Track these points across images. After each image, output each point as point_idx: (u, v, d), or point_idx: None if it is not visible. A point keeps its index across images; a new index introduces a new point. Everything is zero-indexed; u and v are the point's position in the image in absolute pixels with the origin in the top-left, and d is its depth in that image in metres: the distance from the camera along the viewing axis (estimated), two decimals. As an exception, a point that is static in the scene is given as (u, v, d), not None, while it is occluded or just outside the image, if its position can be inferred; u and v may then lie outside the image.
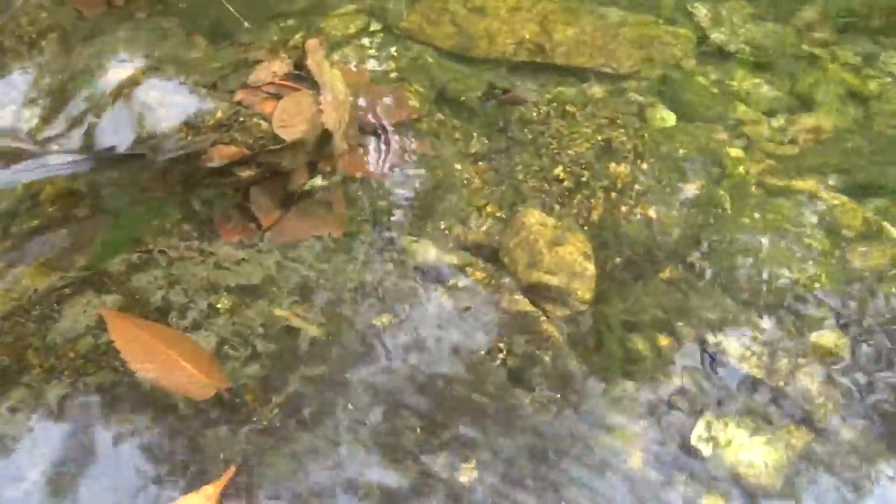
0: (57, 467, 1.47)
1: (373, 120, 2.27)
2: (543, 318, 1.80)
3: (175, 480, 1.46)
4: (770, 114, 2.56)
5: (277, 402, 1.53)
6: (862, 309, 1.95)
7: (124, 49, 2.39)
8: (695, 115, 2.51)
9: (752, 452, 1.64)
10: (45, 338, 1.65)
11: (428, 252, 1.91)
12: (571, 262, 1.86)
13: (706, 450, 1.66)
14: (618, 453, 1.66)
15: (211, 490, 1.41)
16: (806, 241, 2.12)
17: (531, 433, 1.66)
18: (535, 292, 1.84)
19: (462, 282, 1.85)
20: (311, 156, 2.02)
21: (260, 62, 2.13)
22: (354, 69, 2.49)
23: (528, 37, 2.65)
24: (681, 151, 2.33)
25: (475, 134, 2.29)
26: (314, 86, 2.04)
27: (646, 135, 2.32)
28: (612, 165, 2.19)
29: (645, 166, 2.23)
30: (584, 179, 2.13)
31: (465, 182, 2.14)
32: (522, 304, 1.82)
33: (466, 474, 1.52)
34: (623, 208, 2.10)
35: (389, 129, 2.27)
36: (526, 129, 2.27)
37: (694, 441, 1.67)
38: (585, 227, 2.03)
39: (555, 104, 2.36)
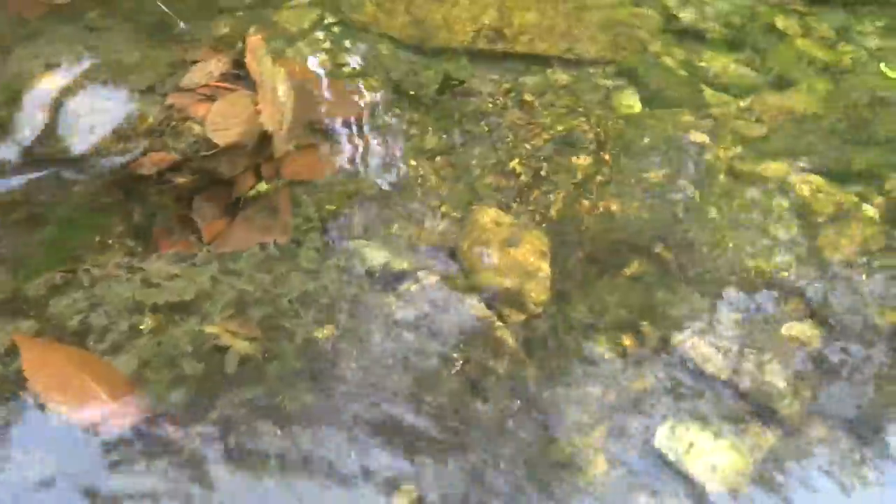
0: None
1: (323, 118, 2.18)
2: (499, 323, 1.72)
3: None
4: (739, 95, 2.47)
5: (199, 430, 1.45)
6: (834, 298, 1.87)
7: (61, 52, 2.29)
8: (662, 100, 2.42)
9: (717, 456, 1.57)
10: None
11: (378, 256, 1.82)
12: (524, 263, 1.77)
13: (671, 454, 1.59)
14: (580, 460, 1.59)
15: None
16: (775, 230, 2.04)
17: (489, 444, 1.59)
18: (489, 296, 1.76)
19: (414, 287, 1.77)
20: (252, 160, 1.93)
21: (198, 62, 2.04)
22: (304, 64, 2.39)
23: (487, 23, 2.55)
24: (646, 139, 2.24)
25: (431, 129, 2.19)
26: (253, 85, 1.94)
27: (609, 123, 2.23)
28: (573, 157, 2.10)
29: (607, 157, 2.14)
30: (542, 173, 2.04)
31: (420, 180, 2.05)
32: (477, 308, 1.74)
33: (406, 497, 1.45)
34: (584, 202, 2.01)
35: (341, 127, 2.17)
36: (483, 122, 2.18)
37: (658, 446, 1.60)
38: (544, 224, 1.95)
39: (513, 94, 2.27)
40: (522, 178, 2.02)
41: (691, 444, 1.58)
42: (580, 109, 2.25)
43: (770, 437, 1.60)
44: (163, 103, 1.93)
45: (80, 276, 1.67)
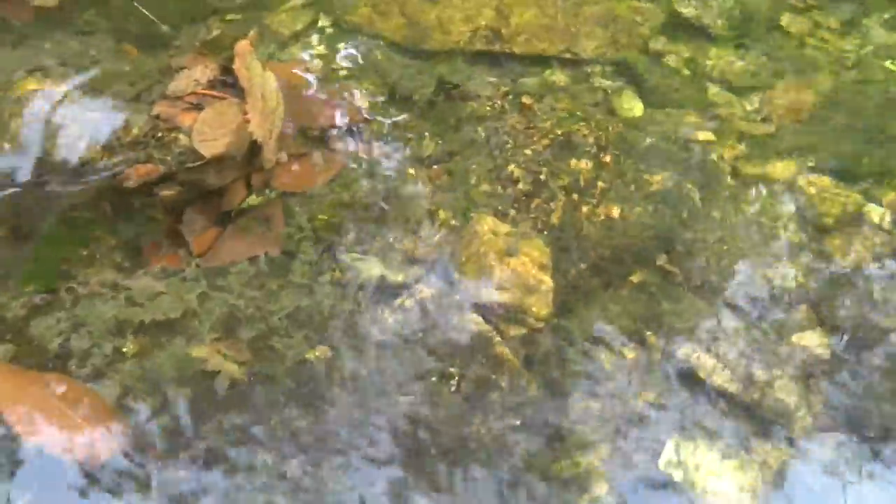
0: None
1: (316, 125, 2.12)
2: (498, 338, 1.67)
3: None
4: (744, 93, 2.40)
5: (185, 460, 1.39)
6: (843, 305, 1.81)
7: (46, 59, 2.23)
8: (664, 100, 2.35)
9: (725, 477, 1.51)
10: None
11: (373, 269, 1.77)
12: (525, 275, 1.72)
13: (676, 474, 1.53)
14: (582, 481, 1.54)
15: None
16: (783, 234, 1.98)
17: (489, 463, 1.54)
18: (488, 310, 1.70)
19: (409, 301, 1.71)
20: (242, 170, 1.87)
21: (184, 69, 1.97)
22: (296, 69, 2.33)
23: (483, 23, 2.48)
24: (647, 141, 2.17)
25: (427, 134, 2.13)
26: (242, 93, 1.88)
27: (610, 126, 2.16)
28: (573, 162, 2.03)
29: (608, 160, 2.08)
30: (541, 179, 1.98)
31: (416, 188, 1.99)
32: (475, 323, 1.68)
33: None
34: (585, 209, 1.95)
35: (335, 134, 2.11)
36: (480, 128, 2.12)
37: (663, 466, 1.55)
38: (544, 232, 1.89)
39: (511, 97, 2.20)
40: (521, 184, 1.96)
41: (698, 465, 1.53)
42: (580, 112, 2.18)
43: (780, 455, 1.54)
44: (149, 112, 1.87)
45: (62, 295, 1.61)
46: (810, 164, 2.17)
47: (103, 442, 1.35)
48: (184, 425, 1.44)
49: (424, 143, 2.11)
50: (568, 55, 2.44)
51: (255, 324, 1.61)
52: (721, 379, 1.65)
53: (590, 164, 2.03)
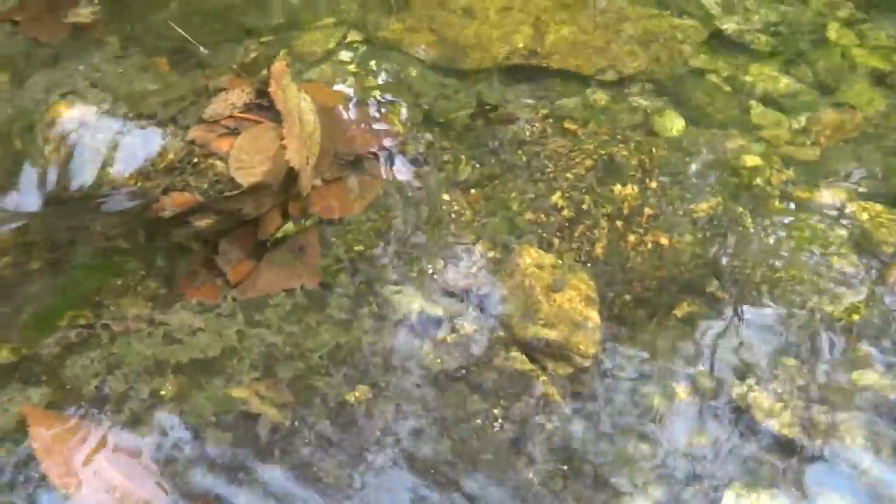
0: None
1: (351, 149, 2.07)
2: (543, 377, 1.60)
3: None
4: (790, 112, 2.31)
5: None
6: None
7: (79, 80, 2.20)
8: (707, 119, 2.27)
9: (789, 530, 1.44)
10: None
11: (412, 303, 1.71)
12: (572, 312, 1.65)
13: (736, 525, 1.46)
14: (634, 529, 1.47)
15: None
16: (838, 263, 1.89)
17: (535, 509, 1.47)
18: (534, 348, 1.64)
19: (451, 336, 1.65)
20: (278, 198, 1.82)
21: (221, 91, 1.93)
22: (331, 90, 2.28)
23: (520, 40, 2.42)
24: (693, 164, 2.10)
25: (464, 157, 2.07)
26: (278, 116, 1.83)
27: (653, 148, 2.09)
28: (617, 187, 1.96)
29: (654, 185, 2.00)
30: (585, 207, 1.91)
31: (455, 215, 1.93)
32: (519, 361, 1.62)
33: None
34: (631, 237, 1.88)
35: (370, 157, 2.06)
36: (520, 151, 2.05)
37: (721, 515, 1.47)
38: (588, 264, 1.82)
39: (551, 120, 2.14)
40: (565, 212, 1.89)
41: (760, 516, 1.45)
42: (621, 134, 2.11)
43: (847, 507, 1.46)
44: (184, 137, 1.82)
45: (98, 331, 1.57)
46: (862, 189, 2.08)
47: (142, 495, 1.30)
48: (225, 472, 1.39)
49: (461, 168, 2.05)
50: (607, 74, 2.37)
51: (294, 362, 1.56)
52: (780, 422, 1.57)
53: (635, 190, 1.96)
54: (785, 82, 2.40)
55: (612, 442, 1.57)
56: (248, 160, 1.76)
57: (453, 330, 1.66)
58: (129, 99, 2.08)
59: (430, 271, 1.79)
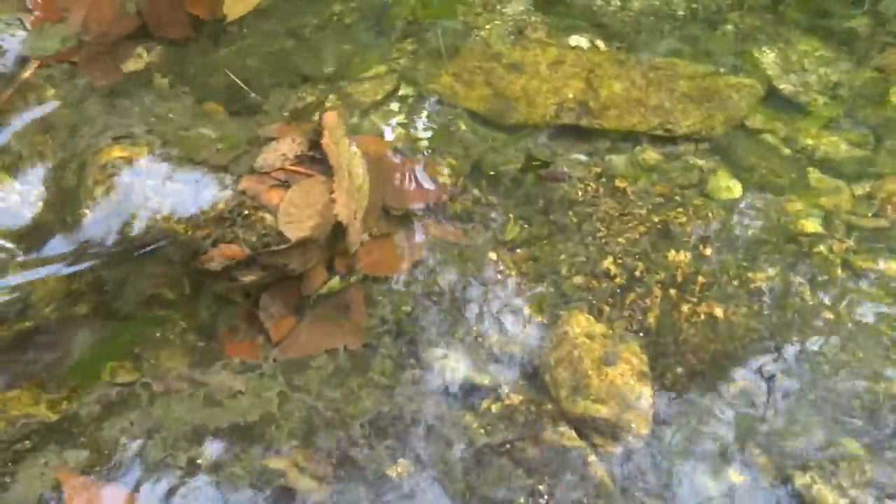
0: None
1: (400, 203, 2.04)
2: (592, 455, 1.53)
3: None
4: (852, 178, 2.23)
5: None
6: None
7: (133, 125, 2.22)
8: (764, 182, 2.20)
9: None
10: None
11: (457, 370, 1.66)
12: (624, 388, 1.58)
13: None
14: None
15: None
16: (906, 343, 1.79)
17: None
18: (583, 423, 1.57)
19: (496, 407, 1.59)
20: (325, 253, 1.80)
21: (272, 140, 1.92)
22: (380, 140, 2.27)
23: (571, 96, 2.38)
24: (749, 231, 2.03)
25: (512, 216, 2.03)
26: (329, 169, 1.82)
27: (709, 213, 2.02)
28: (671, 254, 1.90)
29: (709, 252, 1.93)
30: (637, 273, 1.85)
31: (501, 277, 1.88)
32: (567, 436, 1.55)
33: None
34: (684, 307, 1.81)
35: (418, 213, 2.03)
36: (570, 212, 2.00)
37: None
38: (640, 333, 1.75)
39: (603, 180, 2.09)
40: (616, 279, 1.83)
41: None
42: (676, 197, 2.05)
43: None
44: (235, 187, 1.82)
45: (139, 390, 1.55)
46: (930, 261, 1.99)
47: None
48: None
49: (509, 226, 2.01)
50: (660, 131, 2.32)
51: (335, 430, 1.51)
52: (845, 517, 1.47)
53: (689, 257, 1.90)
54: (846, 147, 2.32)
55: (663, 529, 1.49)
56: (297, 214, 1.74)
57: (498, 399, 1.60)
58: (181, 144, 2.09)
59: (475, 336, 1.74)
